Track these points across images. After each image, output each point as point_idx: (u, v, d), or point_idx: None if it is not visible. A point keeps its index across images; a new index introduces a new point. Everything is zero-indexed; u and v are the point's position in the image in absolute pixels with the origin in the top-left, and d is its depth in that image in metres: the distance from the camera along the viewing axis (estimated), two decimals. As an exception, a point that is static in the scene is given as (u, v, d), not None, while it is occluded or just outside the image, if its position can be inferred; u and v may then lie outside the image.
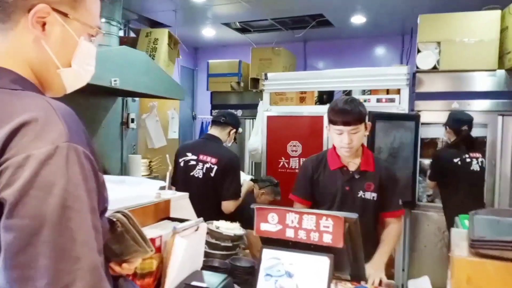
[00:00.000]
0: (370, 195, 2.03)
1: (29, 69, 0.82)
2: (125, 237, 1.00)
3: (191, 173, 2.72)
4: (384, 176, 2.04)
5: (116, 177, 2.16)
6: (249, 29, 4.77)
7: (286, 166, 3.89)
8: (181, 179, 2.77)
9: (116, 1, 3.41)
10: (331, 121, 1.97)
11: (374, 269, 1.83)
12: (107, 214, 0.91)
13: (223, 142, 2.84)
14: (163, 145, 4.24)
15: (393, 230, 2.05)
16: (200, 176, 2.69)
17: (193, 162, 2.73)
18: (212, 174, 2.67)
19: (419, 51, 3.42)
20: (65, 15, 0.82)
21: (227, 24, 4.64)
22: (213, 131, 2.87)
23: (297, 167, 3.85)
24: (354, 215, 1.42)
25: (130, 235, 1.00)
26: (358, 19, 4.63)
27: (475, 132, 3.53)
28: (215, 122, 2.89)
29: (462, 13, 3.33)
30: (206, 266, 1.82)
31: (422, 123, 3.52)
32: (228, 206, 2.70)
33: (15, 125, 0.69)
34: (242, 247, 2.33)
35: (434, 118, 3.57)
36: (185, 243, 1.38)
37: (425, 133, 3.64)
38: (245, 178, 3.14)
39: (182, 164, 2.78)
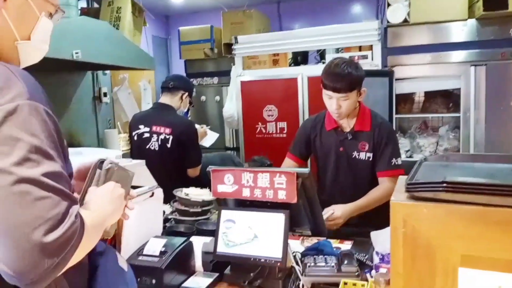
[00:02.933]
0: (364, 155, 2.01)
1: None
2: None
3: (147, 146, 2.65)
4: (377, 134, 1.99)
5: (73, 149, 2.12)
6: (219, -8, 4.63)
7: (263, 131, 3.87)
8: (136, 153, 2.71)
9: (73, -30, 3.25)
10: (323, 84, 1.92)
11: (337, 208, 1.86)
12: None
13: (177, 109, 2.74)
14: (138, 117, 4.17)
15: (380, 189, 1.96)
16: (157, 149, 2.63)
17: (147, 135, 2.66)
18: (169, 145, 2.60)
19: (389, 4, 3.34)
20: None
21: (196, -12, 4.49)
22: (164, 99, 2.77)
23: (274, 132, 3.83)
24: (306, 170, 1.41)
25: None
26: (330, -25, 4.49)
27: (450, 84, 3.52)
28: (164, 88, 2.78)
29: (430, -38, 3.24)
30: (171, 232, 1.83)
31: (397, 79, 3.48)
32: (194, 172, 2.69)
33: None
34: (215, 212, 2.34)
35: (408, 73, 3.53)
36: (137, 209, 1.36)
37: (401, 88, 3.61)
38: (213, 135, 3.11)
39: (136, 138, 2.71)
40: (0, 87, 0.71)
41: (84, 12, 3.78)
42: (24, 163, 0.69)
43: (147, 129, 2.67)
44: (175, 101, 2.75)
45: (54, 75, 3.52)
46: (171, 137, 2.61)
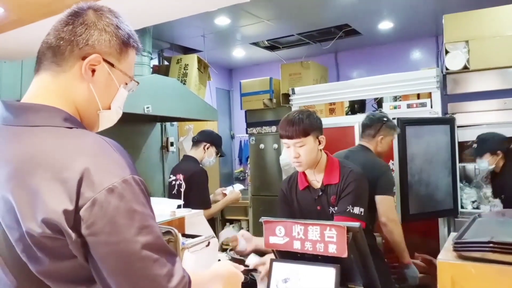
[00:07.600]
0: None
1: (74, 108, 0.94)
2: None
3: (173, 192, 2.99)
4: (344, 182, 1.91)
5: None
6: (278, 46, 4.86)
7: (321, 178, 3.86)
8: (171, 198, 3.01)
9: (146, 33, 3.64)
10: (280, 135, 1.96)
11: None
12: None
13: (200, 159, 3.11)
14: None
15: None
16: (176, 193, 2.90)
17: (173, 182, 3.03)
18: (182, 190, 2.78)
19: (447, 52, 3.31)
20: (111, 65, 0.95)
21: (256, 44, 4.76)
22: (190, 151, 3.17)
23: (332, 179, 3.82)
24: (356, 224, 1.42)
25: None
26: (385, 25, 4.57)
27: (515, 133, 3.33)
28: (192, 143, 3.19)
29: (488, 9, 3.20)
30: (226, 281, 1.88)
31: (459, 126, 3.37)
32: None
33: (82, 167, 0.79)
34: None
35: (471, 120, 3.41)
36: (194, 258, 1.45)
37: (464, 136, 3.48)
38: (237, 188, 3.37)
39: (168, 185, 3.12)
40: (107, 164, 0.82)
41: (155, 69, 4.15)
42: (142, 231, 0.81)
43: (174, 177, 3.06)
44: (199, 152, 3.12)
45: (128, 126, 3.86)
46: (182, 183, 2.80)
